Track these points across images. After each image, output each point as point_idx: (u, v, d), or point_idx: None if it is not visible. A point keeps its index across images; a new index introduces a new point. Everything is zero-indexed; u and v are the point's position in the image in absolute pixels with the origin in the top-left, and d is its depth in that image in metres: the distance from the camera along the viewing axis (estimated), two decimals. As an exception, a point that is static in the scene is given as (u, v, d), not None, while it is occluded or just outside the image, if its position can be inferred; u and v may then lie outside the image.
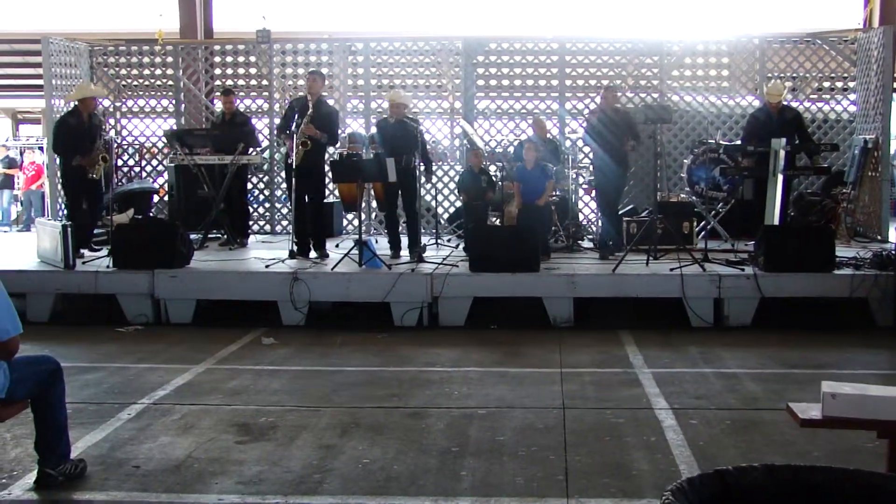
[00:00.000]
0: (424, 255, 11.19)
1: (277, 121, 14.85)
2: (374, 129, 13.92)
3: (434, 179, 13.65)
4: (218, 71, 15.59)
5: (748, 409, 6.89)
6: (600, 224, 12.50)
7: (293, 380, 7.90)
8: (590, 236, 13.38)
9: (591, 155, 12.88)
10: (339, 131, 12.37)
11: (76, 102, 12.07)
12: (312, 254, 11.65)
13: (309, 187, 11.64)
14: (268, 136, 15.05)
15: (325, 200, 12.91)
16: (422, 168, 11.70)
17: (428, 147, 12.33)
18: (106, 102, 15.38)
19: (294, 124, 11.19)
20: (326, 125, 11.47)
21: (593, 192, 13.07)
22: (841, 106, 14.59)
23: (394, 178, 10.80)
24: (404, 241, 11.79)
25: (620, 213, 12.74)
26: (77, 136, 11.83)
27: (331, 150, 12.84)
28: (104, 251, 11.45)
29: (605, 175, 11.71)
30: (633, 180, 14.32)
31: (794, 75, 14.66)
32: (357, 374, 8.06)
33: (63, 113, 13.00)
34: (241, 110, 14.43)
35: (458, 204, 13.89)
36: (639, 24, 21.99)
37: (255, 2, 18.81)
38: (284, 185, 14.89)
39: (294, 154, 11.20)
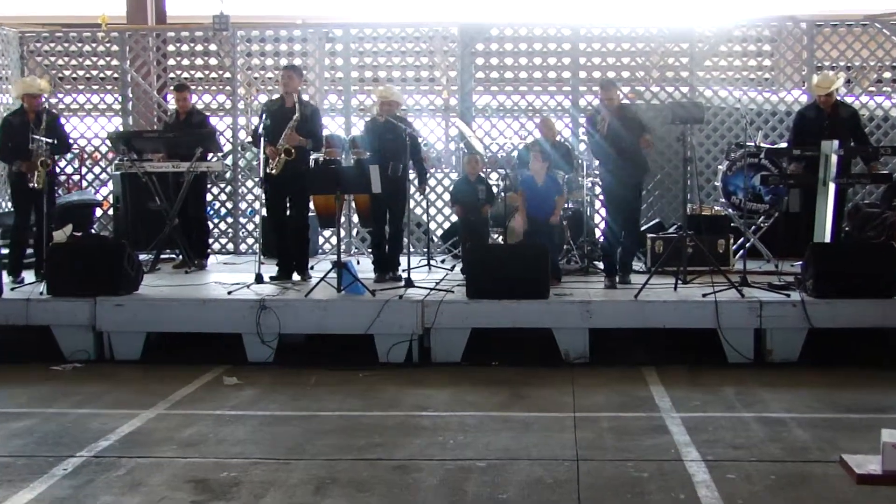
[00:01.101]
0: (414, 279, 11.14)
1: (242, 120, 14.95)
2: (356, 131, 13.99)
3: (426, 189, 13.59)
4: (172, 62, 15.61)
5: (795, 461, 6.88)
6: (602, 242, 12.37)
7: (260, 427, 7.89)
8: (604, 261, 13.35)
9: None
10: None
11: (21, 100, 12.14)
12: (295, 276, 11.73)
13: (293, 200, 11.70)
14: (230, 139, 15.07)
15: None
16: (412, 176, 11.73)
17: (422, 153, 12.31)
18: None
19: (262, 126, 11.22)
20: (310, 129, 11.55)
21: (605, 210, 13.09)
22: (905, 101, 14.64)
23: (378, 188, 10.81)
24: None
25: (643, 228, 12.76)
26: (21, 139, 11.79)
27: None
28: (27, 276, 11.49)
29: (612, 189, 11.50)
30: (658, 190, 14.38)
31: (849, 65, 14.72)
32: (334, 420, 8.06)
33: (7, 112, 13.06)
34: (199, 108, 14.44)
35: (454, 218, 13.91)
36: (665, 6, 22.06)
37: (215, -18, 18.91)
38: (250, 197, 14.96)
39: (273, 161, 11.27)
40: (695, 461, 6.84)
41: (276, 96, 12.35)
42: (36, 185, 11.60)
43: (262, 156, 11.31)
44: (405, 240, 11.99)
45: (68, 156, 15.40)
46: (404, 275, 11.17)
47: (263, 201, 11.58)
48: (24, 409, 8.45)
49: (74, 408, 8.48)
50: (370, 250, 12.59)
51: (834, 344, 10.15)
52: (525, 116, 15.02)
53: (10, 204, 13.13)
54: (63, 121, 13.42)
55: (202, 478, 6.58)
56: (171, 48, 15.64)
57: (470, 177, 12.21)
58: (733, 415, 8.12)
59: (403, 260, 11.60)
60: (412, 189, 12.05)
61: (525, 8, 22.29)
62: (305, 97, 13.49)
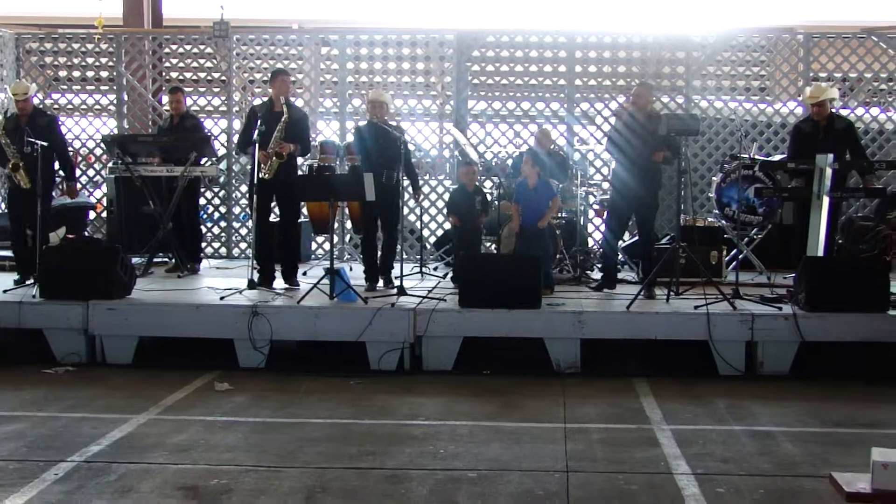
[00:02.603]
0: (406, 287, 11.12)
1: (237, 123, 14.94)
2: (350, 137, 13.99)
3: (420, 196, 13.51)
4: (168, 65, 15.64)
5: (785, 475, 6.92)
6: (602, 247, 12.44)
7: (251, 434, 7.91)
8: (600, 265, 13.35)
9: (610, 165, 12.84)
10: (310, 139, 12.38)
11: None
12: (279, 283, 11.71)
13: (281, 204, 11.73)
14: (225, 143, 15.09)
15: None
16: (406, 184, 11.76)
17: (413, 159, 12.31)
18: (35, 100, 15.40)
19: (257, 132, 11.20)
20: (298, 133, 11.58)
21: (606, 213, 13.12)
22: (900, 114, 14.69)
23: (372, 196, 10.81)
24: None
25: (629, 242, 12.80)
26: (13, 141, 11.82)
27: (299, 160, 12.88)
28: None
29: (623, 195, 11.56)
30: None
31: (845, 77, 14.77)
32: (326, 428, 8.08)
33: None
34: (193, 111, 14.45)
35: (447, 226, 13.94)
36: (661, 14, 22.13)
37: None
38: (244, 202, 14.97)
39: (265, 165, 11.28)
40: (685, 474, 6.88)
41: (261, 100, 12.38)
42: (23, 184, 11.68)
43: (242, 159, 11.32)
44: (398, 247, 11.99)
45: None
46: (397, 282, 11.15)
47: (253, 205, 11.51)
48: (16, 412, 8.47)
49: (66, 412, 8.50)
50: (362, 257, 12.56)
51: (825, 357, 10.19)
52: (520, 124, 15.05)
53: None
54: (63, 126, 13.43)
55: (193, 485, 6.60)
56: (167, 51, 15.67)
57: (467, 187, 12.19)
58: (724, 428, 8.15)
59: (396, 267, 11.58)
60: (407, 197, 12.05)
61: (521, 15, 22.34)
62: (300, 103, 13.55)
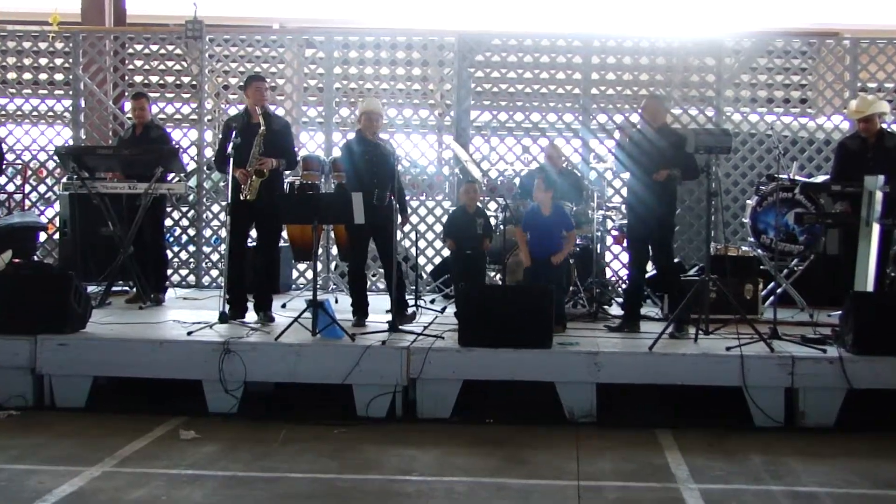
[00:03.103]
0: (402, 324, 11.10)
1: (209, 134, 14.93)
2: (337, 151, 13.97)
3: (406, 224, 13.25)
4: (131, 67, 15.63)
5: (829, 542, 6.87)
6: (626, 282, 12.41)
7: (220, 489, 7.86)
8: (620, 299, 13.28)
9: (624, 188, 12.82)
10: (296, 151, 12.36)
11: None
12: (251, 316, 11.65)
13: (261, 227, 11.72)
14: (195, 157, 15.06)
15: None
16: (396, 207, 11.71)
17: (408, 176, 12.27)
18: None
19: (231, 146, 11.16)
20: (282, 146, 11.56)
21: (625, 240, 13.08)
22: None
23: (361, 219, 10.76)
24: (376, 302, 11.76)
25: (652, 272, 12.72)
26: None
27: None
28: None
29: (638, 217, 11.57)
30: (678, 226, 14.32)
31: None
32: (306, 484, 8.03)
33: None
34: (159, 120, 14.45)
35: (446, 253, 13.90)
36: (690, 16, 22.16)
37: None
38: (216, 223, 14.94)
39: (245, 186, 11.24)
40: (715, 541, 6.82)
41: (235, 109, 12.34)
42: None
43: (230, 179, 11.25)
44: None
45: (10, 171, 15.41)
46: (388, 317, 11.08)
47: (228, 228, 11.47)
48: (-49, 463, 8.41)
49: (8, 463, 8.42)
50: (349, 288, 12.50)
51: (876, 407, 10.09)
52: (529, 138, 15.04)
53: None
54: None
55: (152, 549, 6.54)
56: (130, 52, 15.66)
57: (467, 208, 12.17)
58: (760, 487, 8.09)
59: (385, 301, 11.50)
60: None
61: (531, 16, 22.37)
62: (280, 112, 13.53)
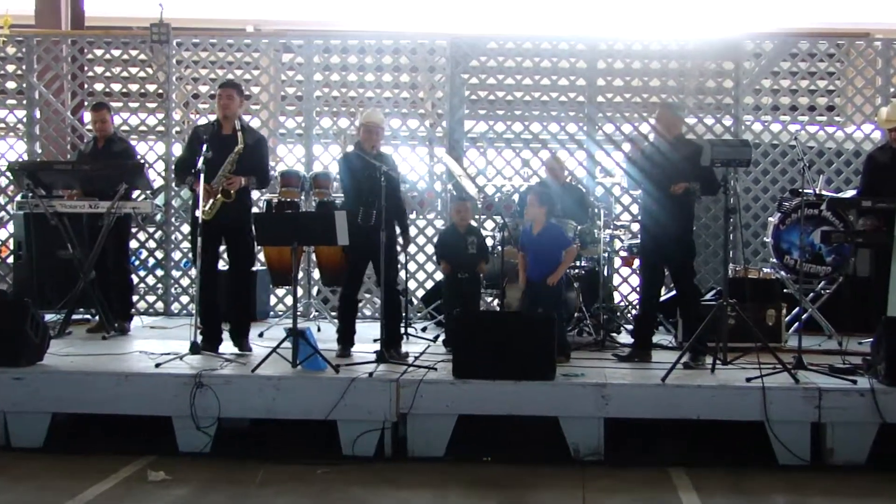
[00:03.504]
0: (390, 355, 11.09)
1: (176, 147, 14.98)
2: (318, 166, 14.03)
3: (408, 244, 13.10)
4: (91, 75, 15.68)
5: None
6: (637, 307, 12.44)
7: (192, 536, 7.90)
8: (629, 326, 13.30)
9: (640, 202, 12.78)
10: (269, 168, 12.37)
11: None
12: (226, 347, 11.68)
13: (232, 249, 11.75)
14: (162, 172, 15.11)
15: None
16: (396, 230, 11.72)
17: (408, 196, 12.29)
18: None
19: (202, 159, 11.15)
20: (255, 162, 11.57)
21: (635, 261, 13.13)
22: None
23: (345, 240, 10.77)
24: (363, 330, 11.77)
25: (666, 297, 12.76)
26: None
27: (256, 194, 12.87)
28: None
29: (653, 236, 11.58)
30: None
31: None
32: (286, 529, 8.05)
33: None
34: (123, 133, 14.50)
35: (438, 276, 13.94)
36: (704, 14, 22.22)
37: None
38: (186, 245, 14.97)
39: (206, 204, 11.19)
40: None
41: (205, 119, 12.34)
42: None
43: (183, 192, 11.20)
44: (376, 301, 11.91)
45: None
46: (376, 346, 11.10)
47: (194, 249, 11.41)
48: None
49: (-41, 508, 8.47)
50: (334, 315, 12.51)
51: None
52: (529, 150, 15.09)
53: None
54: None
55: None
56: (89, 58, 15.70)
57: (458, 227, 12.19)
58: (783, 530, 8.15)
59: (375, 329, 11.52)
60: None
61: (529, 17, 22.44)
62: (255, 124, 13.58)
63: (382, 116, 12.01)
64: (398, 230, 11.81)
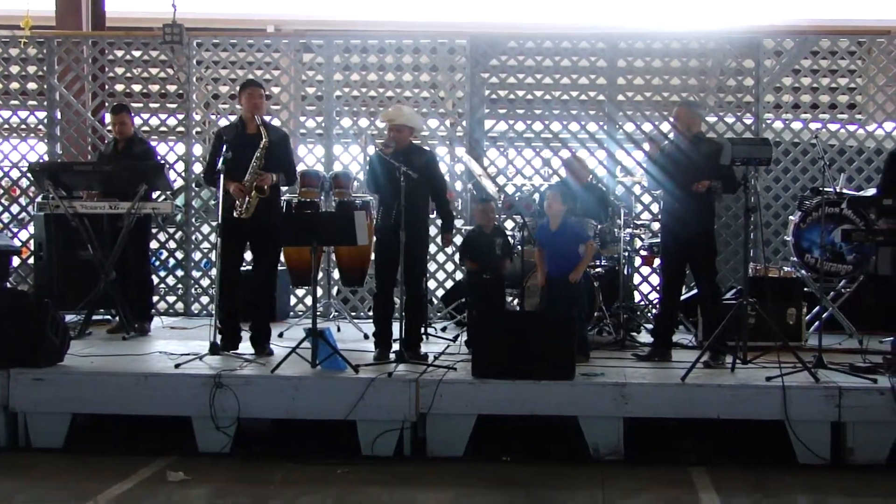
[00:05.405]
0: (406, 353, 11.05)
1: (197, 148, 15.00)
2: (338, 166, 14.01)
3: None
4: (112, 76, 15.71)
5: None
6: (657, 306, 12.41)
7: (211, 536, 7.91)
8: (649, 325, 13.25)
9: (661, 201, 12.72)
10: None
11: None
12: (245, 347, 11.67)
13: (257, 251, 11.74)
14: (182, 173, 15.12)
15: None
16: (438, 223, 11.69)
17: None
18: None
19: (222, 160, 11.16)
20: (281, 159, 11.57)
21: (655, 260, 13.10)
22: None
23: (365, 240, 10.77)
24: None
25: (687, 295, 12.72)
26: None
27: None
28: None
29: (675, 236, 11.56)
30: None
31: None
32: (305, 529, 8.06)
33: None
34: (143, 133, 14.51)
35: (459, 275, 13.91)
36: (724, 13, 22.17)
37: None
38: (206, 245, 14.98)
39: (241, 202, 11.23)
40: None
41: (226, 120, 12.32)
42: None
43: (220, 195, 11.19)
44: (395, 301, 11.83)
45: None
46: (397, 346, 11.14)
47: (219, 251, 11.47)
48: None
49: (-20, 509, 8.50)
50: (354, 315, 12.47)
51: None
52: (549, 149, 15.07)
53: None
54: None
55: None
56: (110, 59, 15.71)
57: (484, 228, 12.14)
58: (804, 531, 8.13)
59: (395, 329, 11.50)
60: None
61: (550, 16, 22.41)
62: (276, 123, 13.58)
63: (400, 112, 11.76)
64: (439, 216, 11.85)
